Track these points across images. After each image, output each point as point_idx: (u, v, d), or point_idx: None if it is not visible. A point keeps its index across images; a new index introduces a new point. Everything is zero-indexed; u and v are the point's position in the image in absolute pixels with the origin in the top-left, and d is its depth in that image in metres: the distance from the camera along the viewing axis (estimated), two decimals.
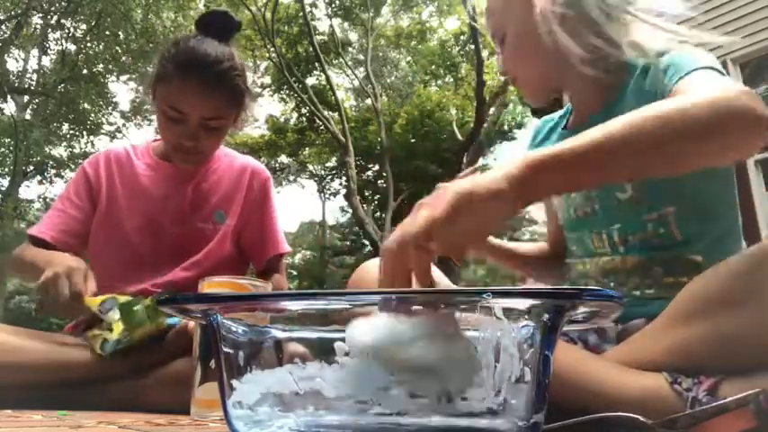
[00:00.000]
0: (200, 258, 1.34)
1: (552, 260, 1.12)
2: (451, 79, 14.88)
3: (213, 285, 0.84)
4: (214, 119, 1.26)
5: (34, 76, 13.43)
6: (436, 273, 1.05)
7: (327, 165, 16.55)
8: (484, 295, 0.44)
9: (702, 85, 0.73)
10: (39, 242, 1.32)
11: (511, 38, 0.97)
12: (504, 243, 1.14)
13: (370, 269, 0.86)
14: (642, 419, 0.51)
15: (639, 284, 0.87)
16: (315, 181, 17.66)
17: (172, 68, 1.22)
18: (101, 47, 12.13)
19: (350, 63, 14.70)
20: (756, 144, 0.64)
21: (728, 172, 0.89)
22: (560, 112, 1.11)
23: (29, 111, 13.57)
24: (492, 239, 1.12)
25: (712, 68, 0.78)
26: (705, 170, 0.77)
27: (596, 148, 0.61)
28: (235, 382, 0.49)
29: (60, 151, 13.93)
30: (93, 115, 13.14)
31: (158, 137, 1.44)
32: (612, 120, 0.63)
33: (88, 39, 12.10)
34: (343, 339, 0.47)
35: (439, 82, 15.32)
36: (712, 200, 0.87)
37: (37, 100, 13.35)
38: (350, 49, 15.34)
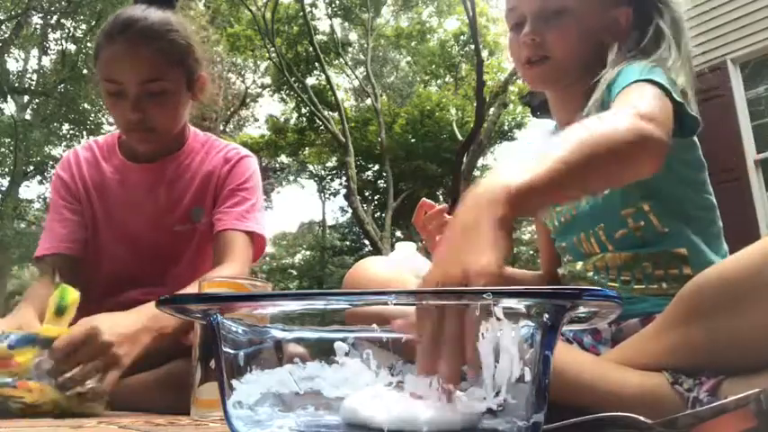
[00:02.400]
0: (182, 269, 1.26)
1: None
2: (451, 79, 14.89)
3: (213, 285, 0.84)
4: (152, 81, 1.14)
5: (34, 76, 13.45)
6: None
7: (327, 165, 16.57)
8: (484, 295, 0.44)
9: (626, 105, 0.74)
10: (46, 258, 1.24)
11: (574, 13, 0.94)
12: (505, 269, 1.14)
13: (367, 266, 0.86)
14: (642, 419, 0.51)
15: (630, 279, 0.88)
16: (315, 181, 17.66)
17: (100, 40, 1.15)
18: None
19: (350, 63, 14.70)
20: (655, 167, 0.70)
21: (701, 179, 0.92)
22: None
23: (29, 111, 13.57)
24: None
25: (648, 81, 0.78)
26: (676, 176, 0.86)
27: (562, 170, 0.60)
28: (235, 382, 0.49)
29: (60, 151, 13.90)
30: (93, 115, 13.12)
31: None
32: (556, 139, 0.64)
33: (88, 39, 12.08)
34: (343, 339, 0.47)
35: (439, 82, 15.33)
36: (686, 202, 0.89)
37: (37, 100, 13.35)
38: (350, 49, 15.35)
